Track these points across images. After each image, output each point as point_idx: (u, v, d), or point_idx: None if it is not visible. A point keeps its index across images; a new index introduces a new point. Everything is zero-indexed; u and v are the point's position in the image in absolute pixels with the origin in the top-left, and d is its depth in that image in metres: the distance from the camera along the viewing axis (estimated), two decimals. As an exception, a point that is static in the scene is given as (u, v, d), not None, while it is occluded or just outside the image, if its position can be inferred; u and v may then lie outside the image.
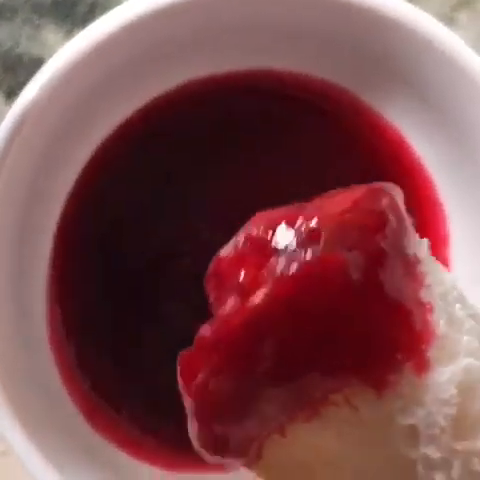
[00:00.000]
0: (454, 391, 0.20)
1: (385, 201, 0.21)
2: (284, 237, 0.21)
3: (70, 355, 0.29)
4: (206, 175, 0.29)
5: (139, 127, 0.29)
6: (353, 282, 0.19)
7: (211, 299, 0.22)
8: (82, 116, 0.28)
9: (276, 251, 0.20)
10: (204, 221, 0.29)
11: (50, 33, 0.33)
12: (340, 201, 0.22)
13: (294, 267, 0.20)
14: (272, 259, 0.20)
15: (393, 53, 0.27)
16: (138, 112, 0.28)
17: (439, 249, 0.30)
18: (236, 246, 0.21)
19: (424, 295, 0.21)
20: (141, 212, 0.30)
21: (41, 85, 0.26)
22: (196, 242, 0.29)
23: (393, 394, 0.20)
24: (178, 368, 0.22)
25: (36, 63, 0.33)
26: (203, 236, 0.30)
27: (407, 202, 0.30)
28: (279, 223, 0.21)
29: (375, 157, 0.30)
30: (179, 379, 0.22)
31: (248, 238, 0.21)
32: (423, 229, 0.30)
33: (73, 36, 0.33)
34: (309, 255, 0.20)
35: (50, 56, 0.33)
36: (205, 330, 0.21)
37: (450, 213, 0.30)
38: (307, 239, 0.20)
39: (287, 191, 0.30)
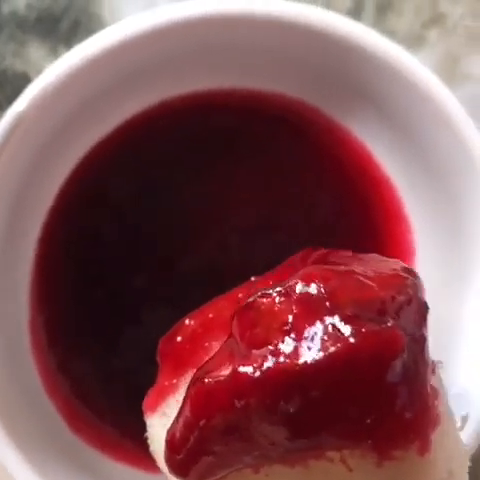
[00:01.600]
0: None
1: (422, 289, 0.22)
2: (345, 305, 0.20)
3: (51, 360, 0.30)
4: (183, 188, 0.31)
5: (121, 142, 0.30)
6: (404, 362, 0.20)
7: (237, 331, 0.21)
8: (68, 130, 0.29)
9: (332, 312, 0.20)
10: (181, 229, 0.31)
11: (34, 49, 0.34)
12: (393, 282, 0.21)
13: (356, 333, 0.19)
14: (327, 319, 0.20)
15: (363, 77, 0.29)
16: (119, 128, 0.30)
17: (406, 260, 0.31)
18: (288, 292, 0.20)
19: (434, 381, 0.22)
20: (120, 223, 0.31)
21: (29, 100, 0.27)
22: (174, 248, 0.31)
23: (393, 467, 0.20)
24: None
25: (20, 78, 0.35)
26: (180, 243, 0.31)
27: (374, 216, 0.32)
28: (338, 287, 0.20)
29: (345, 172, 0.31)
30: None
31: (303, 295, 0.20)
32: (390, 242, 0.32)
33: (56, 52, 0.35)
34: (375, 326, 0.19)
35: (34, 71, 0.35)
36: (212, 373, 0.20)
37: (415, 226, 0.31)
38: (374, 312, 0.20)
39: (260, 204, 0.31)
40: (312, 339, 0.19)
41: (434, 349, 0.30)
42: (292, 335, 0.20)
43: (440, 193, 0.30)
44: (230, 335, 0.21)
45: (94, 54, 0.26)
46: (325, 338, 0.19)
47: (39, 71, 0.28)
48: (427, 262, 0.31)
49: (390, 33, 0.35)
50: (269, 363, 0.19)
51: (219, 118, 0.31)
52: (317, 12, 0.27)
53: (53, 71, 0.27)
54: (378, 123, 0.30)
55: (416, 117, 0.29)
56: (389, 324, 0.20)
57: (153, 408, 0.25)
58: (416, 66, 0.27)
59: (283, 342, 0.20)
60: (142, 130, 0.30)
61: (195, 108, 0.30)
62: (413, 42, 0.35)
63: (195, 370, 0.22)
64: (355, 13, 0.35)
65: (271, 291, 0.21)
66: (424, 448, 0.20)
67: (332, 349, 0.19)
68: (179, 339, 0.25)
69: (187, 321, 0.25)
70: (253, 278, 0.26)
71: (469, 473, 0.23)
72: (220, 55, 0.29)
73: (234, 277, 0.31)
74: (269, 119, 0.31)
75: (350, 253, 0.23)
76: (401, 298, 0.21)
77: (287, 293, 0.21)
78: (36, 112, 0.27)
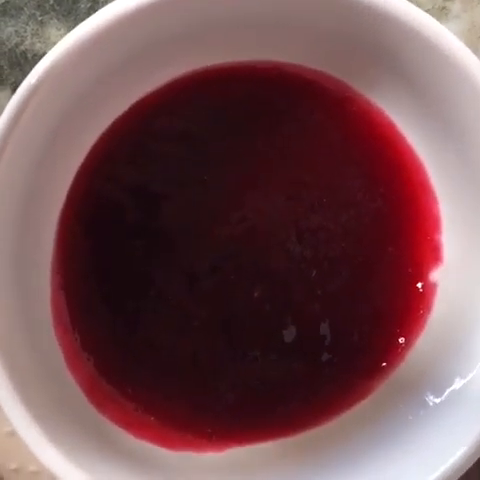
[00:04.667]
0: None
1: None
2: None
3: (74, 337, 0.30)
4: (206, 162, 0.30)
5: (138, 119, 0.30)
6: None
7: None
8: (82, 107, 0.28)
9: None
10: (204, 206, 0.31)
11: (53, 29, 0.34)
12: None
13: None
14: None
15: (387, 47, 0.28)
16: (137, 104, 0.29)
17: (432, 234, 0.31)
18: None
19: None
20: (142, 202, 0.31)
21: (39, 76, 0.26)
22: (195, 227, 0.31)
23: None
24: None
25: (40, 59, 0.34)
26: (203, 221, 0.31)
27: (399, 186, 0.31)
28: None
29: (368, 143, 0.31)
30: None
31: None
32: (416, 213, 0.31)
33: (76, 32, 0.35)
34: None
35: (53, 52, 0.35)
36: None
37: (440, 196, 0.31)
38: None
39: (284, 175, 0.31)
40: None
41: (464, 320, 0.30)
42: None
43: (465, 163, 0.29)
44: None
45: (106, 25, 0.26)
46: None
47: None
48: (452, 232, 0.30)
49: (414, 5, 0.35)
50: None
51: (240, 91, 0.30)
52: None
53: (63, 45, 0.26)
54: (402, 93, 0.30)
55: (442, 86, 0.28)
56: None
57: None
58: (444, 33, 0.26)
59: None
60: (161, 106, 0.30)
61: (216, 81, 0.30)
62: (437, 13, 0.35)
63: None
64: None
65: None
66: None
67: None
68: None
69: None
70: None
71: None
72: (241, 27, 0.29)
73: (261, 246, 0.31)
74: (291, 91, 0.30)
75: None
76: None
77: None
78: (48, 88, 0.27)
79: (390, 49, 0.28)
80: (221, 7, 0.27)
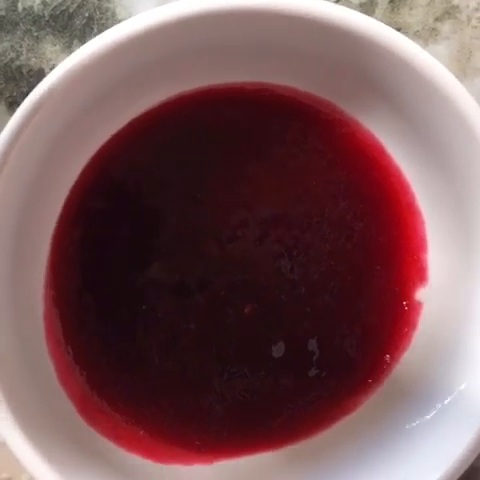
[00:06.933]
0: None
1: None
2: None
3: (66, 350, 0.30)
4: (199, 181, 0.31)
5: (132, 138, 0.30)
6: None
7: None
8: (82, 125, 0.29)
9: None
10: (196, 223, 0.31)
11: (49, 45, 0.35)
12: None
13: None
14: None
15: (375, 71, 0.29)
16: (133, 122, 0.30)
17: (418, 254, 0.32)
18: None
19: None
20: (134, 219, 0.31)
21: (42, 93, 0.27)
22: (187, 243, 0.31)
23: None
24: None
25: (35, 74, 0.35)
26: (194, 238, 0.31)
27: (386, 208, 0.32)
28: None
29: (356, 164, 0.31)
30: None
31: None
32: (403, 233, 0.32)
33: (71, 47, 0.35)
34: None
35: (49, 67, 0.35)
36: None
37: (427, 218, 0.31)
38: None
39: (274, 195, 0.32)
40: None
41: (449, 338, 0.31)
42: None
43: (451, 185, 0.30)
44: None
45: (103, 50, 0.26)
46: None
47: (54, 67, 0.29)
48: (438, 252, 0.31)
49: (403, 26, 0.35)
50: None
51: (231, 112, 0.31)
52: (330, 6, 0.27)
53: (62, 67, 0.27)
54: (390, 117, 0.30)
55: (428, 111, 0.29)
56: None
57: None
58: (429, 61, 0.27)
59: None
60: (156, 124, 0.31)
61: (207, 103, 0.30)
62: (426, 35, 0.35)
63: None
64: (369, 6, 0.35)
65: None
66: None
67: None
68: None
69: None
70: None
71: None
72: (233, 50, 0.29)
73: (251, 263, 0.31)
74: (282, 113, 0.31)
75: None
76: None
77: None
78: (49, 105, 0.27)
79: (378, 74, 0.29)
80: (212, 32, 0.28)
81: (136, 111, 0.30)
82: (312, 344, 0.32)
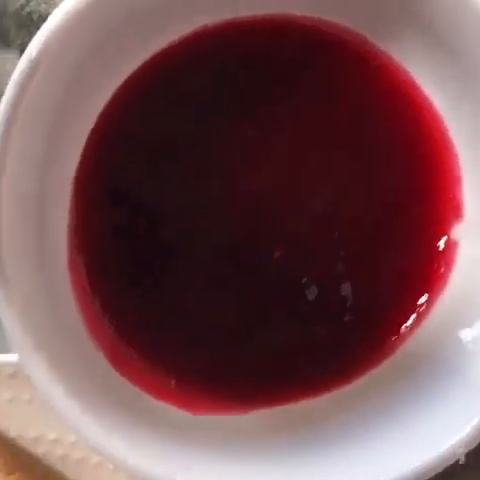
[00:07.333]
0: None
1: None
2: None
3: (93, 299, 0.29)
4: (223, 122, 0.30)
5: (157, 74, 0.29)
6: None
7: None
8: (93, 67, 0.28)
9: None
10: (222, 166, 0.30)
11: (59, -10, 0.34)
12: None
13: None
14: None
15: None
16: (154, 57, 0.29)
17: (453, 191, 0.31)
18: None
19: None
20: (162, 158, 0.30)
21: (51, 30, 0.26)
22: (214, 189, 0.30)
23: None
24: None
25: (45, 20, 0.34)
26: (221, 182, 0.30)
27: (420, 145, 0.31)
28: None
29: (388, 99, 0.30)
30: None
31: None
32: (436, 170, 0.31)
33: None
34: None
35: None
36: None
37: (460, 154, 0.30)
38: None
39: (303, 133, 0.31)
40: None
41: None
42: None
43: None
44: None
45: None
46: None
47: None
48: (473, 188, 0.30)
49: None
50: None
51: (255, 47, 0.30)
52: None
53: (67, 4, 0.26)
54: (422, 49, 0.29)
55: (465, 42, 0.28)
56: None
57: None
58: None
59: None
60: (176, 62, 0.29)
61: (229, 36, 0.29)
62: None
63: None
64: None
65: None
66: None
67: None
68: None
69: None
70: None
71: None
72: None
73: (280, 207, 0.30)
74: (309, 46, 0.30)
75: None
76: None
77: None
78: (60, 41, 0.26)
79: (414, 2, 0.27)
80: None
81: (156, 46, 0.29)
82: (345, 288, 0.31)
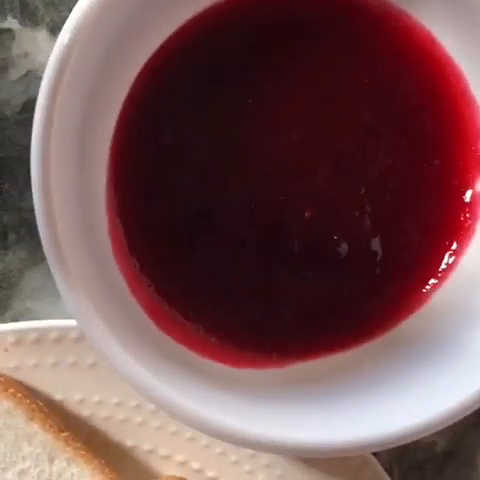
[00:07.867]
0: None
1: None
2: None
3: (133, 262, 0.30)
4: (251, 84, 0.31)
5: (191, 37, 0.30)
6: None
7: None
8: (133, 29, 0.29)
9: None
10: (251, 128, 0.31)
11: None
12: None
13: None
14: None
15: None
16: (189, 22, 0.30)
17: (476, 144, 0.31)
18: None
19: None
20: (194, 123, 0.31)
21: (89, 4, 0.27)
22: (243, 150, 0.31)
23: None
24: None
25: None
26: (250, 144, 0.31)
27: (442, 101, 0.31)
28: None
29: (409, 58, 0.31)
30: None
31: None
32: (459, 124, 0.31)
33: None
34: None
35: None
36: None
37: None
38: None
39: (326, 92, 0.31)
40: None
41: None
42: None
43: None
44: None
45: None
46: None
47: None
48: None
49: None
50: None
51: (278, 10, 0.30)
52: None
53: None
54: (440, 6, 0.30)
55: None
56: None
57: None
58: None
59: None
60: (214, 23, 0.30)
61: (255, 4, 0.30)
62: None
63: None
64: None
65: None
66: None
67: None
68: None
69: None
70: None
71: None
72: None
73: (308, 167, 0.31)
74: (330, 8, 0.30)
75: None
76: None
77: None
78: (97, 14, 0.27)
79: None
80: None
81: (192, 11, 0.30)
82: (375, 244, 0.32)
